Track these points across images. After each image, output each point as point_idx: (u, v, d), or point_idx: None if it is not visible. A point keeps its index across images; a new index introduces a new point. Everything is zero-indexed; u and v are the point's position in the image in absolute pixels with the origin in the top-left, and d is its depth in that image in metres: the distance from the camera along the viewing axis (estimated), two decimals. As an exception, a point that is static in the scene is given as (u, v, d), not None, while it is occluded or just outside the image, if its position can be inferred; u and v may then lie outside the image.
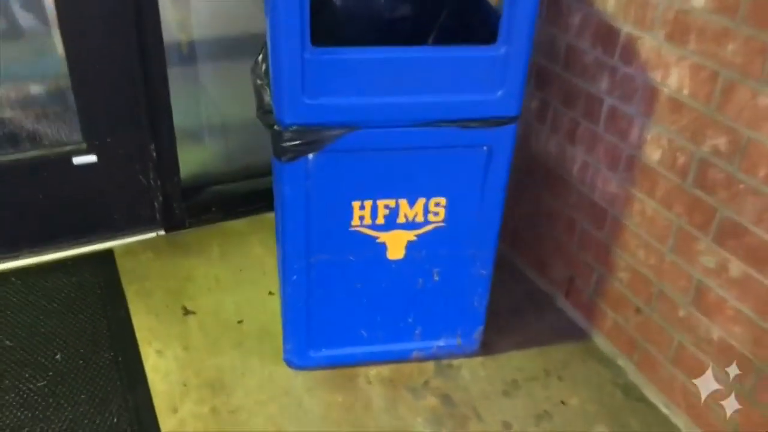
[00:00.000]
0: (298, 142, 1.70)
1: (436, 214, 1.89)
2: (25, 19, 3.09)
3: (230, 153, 3.02)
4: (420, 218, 1.89)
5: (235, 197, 2.78)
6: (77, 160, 2.41)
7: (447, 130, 1.74)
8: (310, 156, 1.74)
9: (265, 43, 1.95)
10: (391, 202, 1.86)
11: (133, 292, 2.39)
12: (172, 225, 2.67)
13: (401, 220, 1.88)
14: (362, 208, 1.85)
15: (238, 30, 3.49)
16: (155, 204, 2.61)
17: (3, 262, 2.44)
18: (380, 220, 1.88)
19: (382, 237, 1.91)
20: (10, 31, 3.42)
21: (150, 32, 2.34)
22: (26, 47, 3.54)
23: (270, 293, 2.42)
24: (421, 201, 1.86)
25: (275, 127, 1.72)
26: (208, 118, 3.13)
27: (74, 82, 2.36)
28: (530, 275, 2.51)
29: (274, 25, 1.57)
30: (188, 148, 2.78)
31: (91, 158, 2.43)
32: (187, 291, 2.41)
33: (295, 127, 1.69)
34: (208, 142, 3.06)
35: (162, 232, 2.66)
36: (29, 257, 2.47)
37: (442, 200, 1.87)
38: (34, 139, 3.10)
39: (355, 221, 1.87)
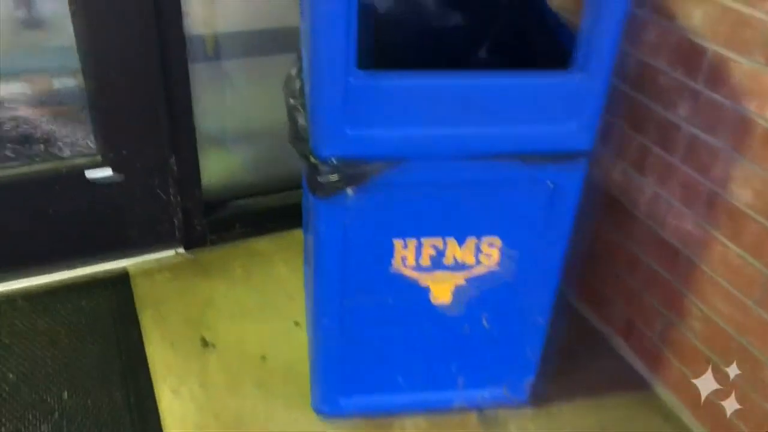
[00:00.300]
0: (337, 177, 1.48)
1: (488, 255, 1.66)
2: (45, 7, 2.88)
3: (256, 162, 2.80)
4: (470, 260, 1.66)
5: (260, 213, 2.57)
6: (91, 173, 2.21)
7: (508, 164, 1.51)
8: (349, 191, 1.52)
9: (300, 56, 1.73)
10: (438, 242, 1.63)
11: (149, 318, 2.19)
12: (192, 242, 2.47)
13: (449, 261, 1.66)
14: (405, 247, 1.63)
15: (269, 23, 3.27)
16: (174, 220, 2.41)
17: (9, 282, 2.25)
18: (425, 261, 1.66)
19: (427, 280, 1.69)
20: (28, 20, 3.21)
21: (171, 28, 2.12)
22: (45, 38, 3.33)
23: (296, 323, 2.21)
24: (472, 241, 1.64)
25: (311, 158, 1.50)
26: (233, 121, 2.92)
27: (88, 88, 2.15)
28: (584, 313, 2.27)
29: (314, 43, 1.34)
30: (210, 155, 2.57)
31: (106, 171, 2.23)
32: (206, 319, 2.21)
33: (334, 160, 1.46)
34: (232, 148, 2.85)
35: (181, 250, 2.46)
36: (37, 277, 2.28)
37: (497, 241, 1.64)
38: (48, 141, 2.91)
39: (397, 262, 1.65)
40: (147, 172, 2.29)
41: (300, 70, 1.71)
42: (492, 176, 1.53)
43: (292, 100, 1.66)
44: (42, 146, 2.91)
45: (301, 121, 1.58)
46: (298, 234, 2.55)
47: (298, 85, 1.67)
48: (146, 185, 2.31)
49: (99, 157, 2.22)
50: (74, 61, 2.22)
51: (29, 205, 2.20)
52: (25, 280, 2.27)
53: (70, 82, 3.17)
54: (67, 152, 2.84)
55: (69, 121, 3.08)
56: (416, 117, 1.44)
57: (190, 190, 2.39)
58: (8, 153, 2.79)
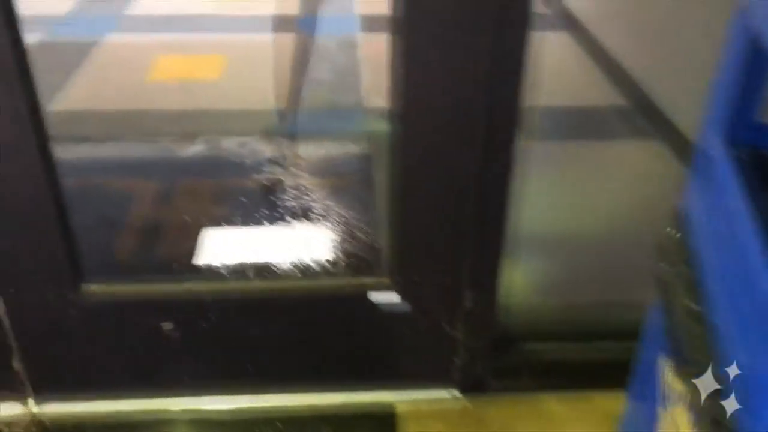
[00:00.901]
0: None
1: None
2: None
3: (561, 291, 2.32)
4: None
5: (557, 364, 2.07)
6: (373, 296, 1.88)
7: None
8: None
9: (679, 215, 1.21)
10: None
11: (410, 481, 1.80)
12: (470, 386, 2.04)
13: None
14: None
15: (585, 101, 2.78)
16: (455, 358, 2.00)
17: (266, 397, 1.99)
18: None
19: None
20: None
21: (501, 99, 1.62)
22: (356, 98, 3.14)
23: None
24: None
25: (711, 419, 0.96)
26: (535, 228, 2.48)
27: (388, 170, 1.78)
28: None
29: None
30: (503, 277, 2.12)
31: (390, 295, 1.88)
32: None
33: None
34: (529, 267, 2.40)
35: (457, 393, 2.04)
36: (295, 396, 2.00)
37: None
38: (325, 217, 2.72)
39: None
40: (435, 299, 1.91)
41: (686, 247, 1.19)
42: None
43: (686, 304, 1.13)
44: (317, 222, 2.74)
45: (703, 348, 1.05)
46: (603, 401, 2.01)
47: (682, 271, 1.15)
48: (431, 315, 1.92)
49: (385, 279, 1.88)
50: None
51: (297, 319, 1.93)
52: (281, 397, 2.00)
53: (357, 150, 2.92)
54: (341, 234, 2.63)
55: (354, 198, 2.85)
56: None
57: (481, 325, 1.97)
58: (282, 224, 2.63)
